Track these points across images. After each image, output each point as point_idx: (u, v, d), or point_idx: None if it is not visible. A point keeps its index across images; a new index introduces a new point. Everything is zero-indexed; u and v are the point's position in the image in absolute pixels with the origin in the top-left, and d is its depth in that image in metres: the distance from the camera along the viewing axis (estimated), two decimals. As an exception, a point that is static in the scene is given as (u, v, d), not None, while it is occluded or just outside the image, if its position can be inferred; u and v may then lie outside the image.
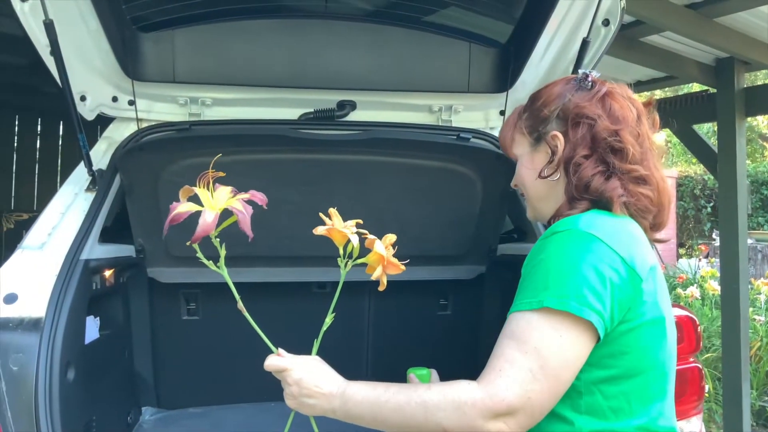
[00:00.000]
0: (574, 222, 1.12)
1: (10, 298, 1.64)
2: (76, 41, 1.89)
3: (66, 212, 1.92)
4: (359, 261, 1.13)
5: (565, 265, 1.06)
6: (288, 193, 2.13)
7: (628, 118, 1.22)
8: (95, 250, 1.90)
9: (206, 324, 2.52)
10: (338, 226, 1.10)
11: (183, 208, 0.99)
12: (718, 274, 6.28)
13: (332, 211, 1.11)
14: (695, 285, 6.83)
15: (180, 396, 2.51)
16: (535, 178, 1.28)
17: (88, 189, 2.00)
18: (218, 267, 1.06)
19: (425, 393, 1.06)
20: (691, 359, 1.89)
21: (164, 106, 2.19)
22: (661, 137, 1.28)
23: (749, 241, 5.44)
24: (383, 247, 1.10)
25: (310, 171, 2.16)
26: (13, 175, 6.42)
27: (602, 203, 1.18)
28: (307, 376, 1.14)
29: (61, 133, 6.61)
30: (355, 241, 1.09)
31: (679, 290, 6.44)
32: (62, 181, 2.08)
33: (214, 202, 1.00)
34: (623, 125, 1.20)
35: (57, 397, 1.53)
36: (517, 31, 2.23)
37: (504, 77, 2.30)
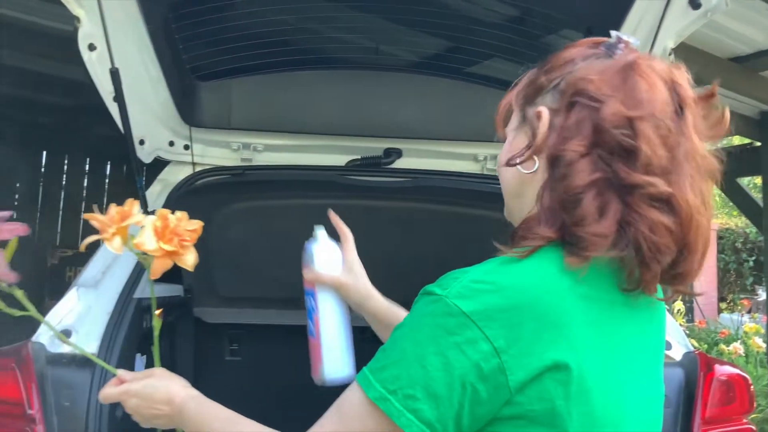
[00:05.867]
0: (455, 282, 0.78)
1: (64, 334, 1.68)
2: (137, 88, 1.97)
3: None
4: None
5: (411, 345, 0.78)
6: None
7: (656, 102, 0.80)
8: (147, 289, 1.95)
9: (248, 365, 2.54)
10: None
11: None
12: (763, 331, 6.10)
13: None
14: (739, 341, 6.63)
15: None
16: (503, 164, 0.92)
17: (142, 229, 2.05)
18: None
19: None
20: (744, 420, 1.84)
21: (218, 151, 2.26)
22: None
23: (795, 297, 5.30)
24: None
25: (355, 216, 2.18)
26: (60, 212, 6.61)
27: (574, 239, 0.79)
28: (143, 402, 1.05)
29: (108, 172, 6.82)
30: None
31: (722, 346, 6.25)
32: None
33: None
34: (644, 112, 0.79)
35: None
36: (562, 83, 2.26)
37: (549, 128, 2.31)
